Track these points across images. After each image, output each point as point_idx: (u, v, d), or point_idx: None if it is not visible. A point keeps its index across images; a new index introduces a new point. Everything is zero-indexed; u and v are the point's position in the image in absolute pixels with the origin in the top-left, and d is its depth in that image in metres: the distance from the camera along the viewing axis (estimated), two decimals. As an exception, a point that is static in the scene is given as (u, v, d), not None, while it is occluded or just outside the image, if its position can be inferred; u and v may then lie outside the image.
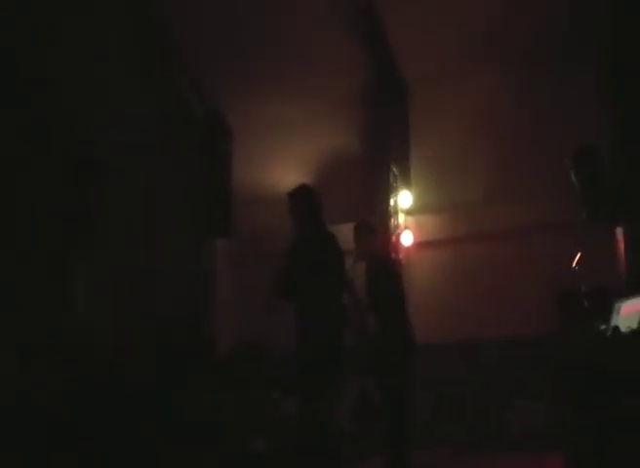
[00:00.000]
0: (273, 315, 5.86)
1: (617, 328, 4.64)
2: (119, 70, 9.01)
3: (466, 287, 9.67)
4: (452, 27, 9.75)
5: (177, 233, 9.59)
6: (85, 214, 8.39)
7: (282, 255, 5.56)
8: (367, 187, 10.12)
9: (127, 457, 6.74)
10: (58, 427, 6.66)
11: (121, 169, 8.58)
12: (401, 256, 9.43)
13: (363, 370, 6.69)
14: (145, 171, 9.05)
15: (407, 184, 10.29)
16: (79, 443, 6.71)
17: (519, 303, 9.16)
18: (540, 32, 9.46)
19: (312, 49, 9.90)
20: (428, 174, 10.30)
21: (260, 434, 5.72)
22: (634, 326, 4.67)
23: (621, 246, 8.55)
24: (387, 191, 10.00)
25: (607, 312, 5.39)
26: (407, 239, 9.64)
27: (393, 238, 9.83)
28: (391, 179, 10.11)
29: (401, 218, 10.10)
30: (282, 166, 10.03)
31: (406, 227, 9.90)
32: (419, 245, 9.57)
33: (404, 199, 10.09)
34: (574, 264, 6.79)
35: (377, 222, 7.70)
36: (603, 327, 4.94)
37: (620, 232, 8.59)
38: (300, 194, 5.79)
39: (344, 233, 8.81)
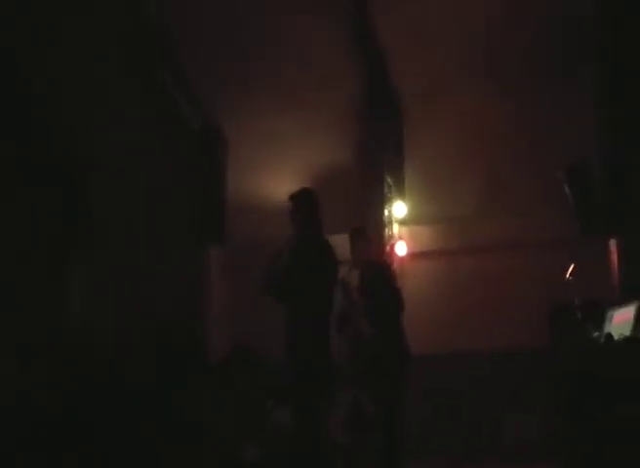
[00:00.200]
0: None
1: (610, 335, 4.65)
2: (116, 81, 9.04)
3: (459, 298, 9.69)
4: (447, 42, 9.80)
5: (171, 241, 9.60)
6: (84, 214, 8.41)
7: (276, 255, 5.58)
8: (361, 197, 10.13)
9: (126, 457, 6.74)
10: (57, 427, 6.66)
11: (117, 175, 8.59)
12: (395, 266, 9.41)
13: (357, 380, 6.68)
14: (142, 177, 9.07)
15: (401, 195, 10.32)
16: (79, 443, 6.70)
17: (512, 316, 9.18)
18: (536, 47, 9.52)
19: (308, 64, 9.94)
20: (422, 185, 10.33)
21: (252, 441, 5.70)
22: (627, 333, 4.68)
23: (615, 258, 8.59)
24: (381, 201, 10.01)
25: (599, 320, 5.41)
26: (401, 249, 9.65)
27: (387, 248, 9.82)
28: (385, 190, 10.13)
29: (395, 229, 10.10)
30: (276, 176, 10.04)
31: (400, 237, 9.92)
32: (412, 255, 9.58)
33: (398, 209, 10.10)
34: (567, 275, 6.80)
35: (371, 231, 7.73)
36: (596, 334, 4.95)
37: (613, 244, 8.63)
38: (303, 197, 5.80)
39: (339, 243, 8.88)
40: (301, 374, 5.38)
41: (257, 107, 10.25)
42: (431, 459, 8.51)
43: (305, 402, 5.37)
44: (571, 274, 6.81)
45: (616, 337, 4.63)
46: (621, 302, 5.91)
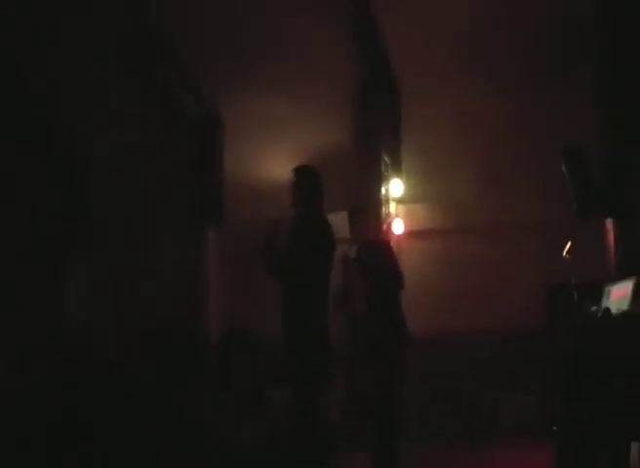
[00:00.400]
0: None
1: (607, 309, 4.64)
2: (113, 62, 9.01)
3: (456, 278, 9.73)
4: (446, 28, 9.81)
5: (167, 223, 9.58)
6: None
7: (274, 226, 5.55)
8: (358, 176, 10.14)
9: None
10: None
11: (111, 159, 8.56)
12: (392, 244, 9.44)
13: (355, 361, 6.67)
14: (137, 162, 9.04)
15: (398, 173, 10.31)
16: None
17: (509, 298, 9.20)
18: (535, 34, 9.53)
19: (307, 48, 9.93)
20: (420, 166, 10.35)
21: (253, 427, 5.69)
22: (624, 308, 4.67)
23: (612, 238, 8.59)
24: (379, 179, 10.01)
25: (597, 299, 5.40)
26: (398, 227, 9.63)
27: (384, 226, 9.82)
28: (382, 168, 10.12)
29: (392, 207, 10.10)
30: (274, 159, 10.01)
31: (397, 216, 9.91)
32: (409, 234, 9.59)
33: (395, 187, 10.09)
34: (564, 253, 6.79)
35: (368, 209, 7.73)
36: (594, 308, 4.94)
37: (609, 223, 8.64)
38: (307, 172, 5.77)
39: (337, 222, 8.87)
40: (299, 355, 5.36)
41: (255, 91, 10.24)
42: (429, 441, 8.54)
43: (303, 383, 5.35)
44: (568, 252, 6.78)
45: (613, 312, 4.61)
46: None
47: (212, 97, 10.52)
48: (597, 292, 5.63)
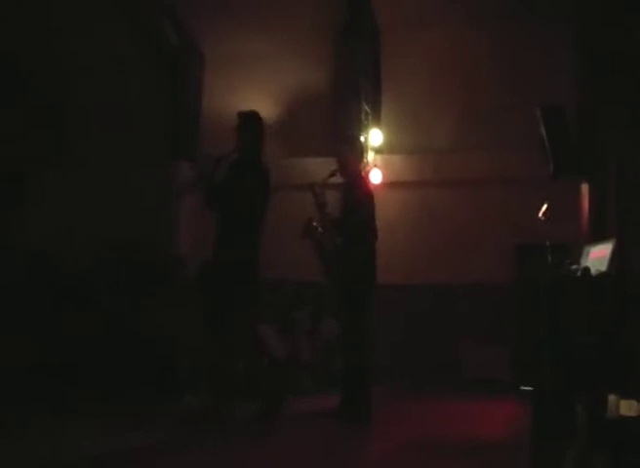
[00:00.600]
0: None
1: (587, 268, 4.68)
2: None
3: (431, 229, 9.79)
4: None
5: (143, 154, 9.48)
6: (50, 133, 8.24)
7: (214, 166, 5.69)
8: (337, 122, 10.07)
9: (96, 373, 6.75)
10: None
11: (91, 87, 8.41)
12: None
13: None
14: (115, 90, 8.90)
15: (377, 123, 10.24)
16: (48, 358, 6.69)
17: (483, 250, 9.29)
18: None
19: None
20: (399, 116, 10.29)
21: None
22: (603, 268, 4.72)
23: (586, 202, 8.65)
24: (358, 128, 9.92)
25: (573, 257, 5.45)
26: (375, 177, 9.59)
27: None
28: (362, 117, 10.04)
29: (370, 157, 10.03)
30: (252, 96, 9.91)
31: (375, 165, 9.86)
32: (386, 184, 9.57)
33: (374, 137, 10.02)
34: (540, 215, 6.82)
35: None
36: (574, 267, 4.99)
37: (585, 188, 8.69)
38: (253, 117, 5.96)
39: (312, 168, 8.84)
40: (224, 283, 5.63)
41: (236, 27, 10.11)
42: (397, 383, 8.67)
43: (230, 310, 5.63)
44: (543, 214, 6.80)
45: (592, 272, 4.65)
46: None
47: (192, 32, 10.34)
48: (571, 254, 5.70)
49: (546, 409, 4.27)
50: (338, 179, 6.57)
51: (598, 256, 5.03)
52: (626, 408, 4.10)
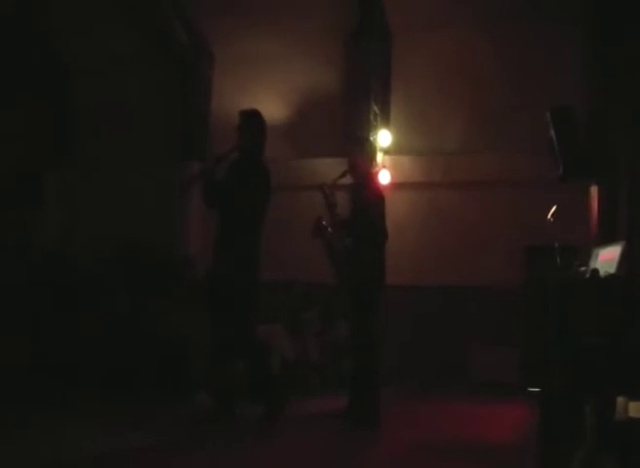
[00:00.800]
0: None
1: (596, 270, 4.67)
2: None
3: (437, 232, 9.78)
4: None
5: (153, 154, 9.50)
6: (62, 134, 8.27)
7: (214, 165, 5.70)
8: (347, 123, 10.08)
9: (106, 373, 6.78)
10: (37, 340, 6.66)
11: (100, 88, 8.44)
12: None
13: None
14: (125, 90, 8.92)
15: (386, 124, 10.24)
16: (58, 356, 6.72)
17: (492, 253, 9.27)
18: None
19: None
20: (408, 117, 10.28)
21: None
22: (611, 270, 4.71)
23: (595, 205, 8.62)
24: (367, 128, 9.92)
25: (582, 259, 5.45)
26: (384, 178, 9.59)
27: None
28: (371, 117, 10.04)
29: (379, 157, 10.02)
30: (262, 97, 9.91)
31: (383, 166, 9.85)
32: (395, 185, 9.57)
33: (383, 138, 10.02)
34: (549, 216, 6.81)
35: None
36: (583, 269, 4.99)
37: (594, 190, 8.66)
38: (254, 115, 5.93)
39: (322, 169, 8.85)
40: (222, 284, 5.64)
41: (246, 29, 10.16)
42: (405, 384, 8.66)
43: (231, 311, 5.62)
44: (552, 216, 6.80)
45: (601, 273, 4.65)
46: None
47: (202, 32, 10.36)
48: (580, 256, 5.70)
49: (555, 410, 4.27)
50: (347, 180, 6.57)
51: (607, 259, 5.02)
52: (635, 409, 4.10)
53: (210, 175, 5.75)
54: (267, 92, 10.28)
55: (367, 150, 6.97)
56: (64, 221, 8.44)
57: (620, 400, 4.12)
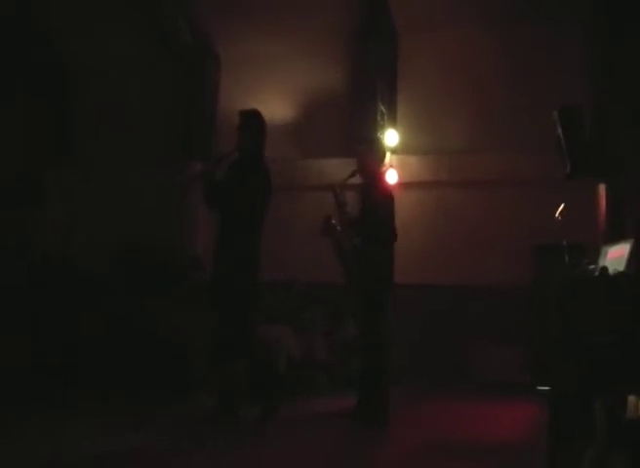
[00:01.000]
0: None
1: (605, 268, 4.65)
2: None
3: (447, 231, 9.77)
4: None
5: (159, 154, 9.50)
6: (63, 134, 8.27)
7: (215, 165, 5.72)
8: (354, 122, 10.07)
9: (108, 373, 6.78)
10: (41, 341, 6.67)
11: (105, 88, 8.44)
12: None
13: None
14: (130, 91, 8.92)
15: (393, 124, 10.23)
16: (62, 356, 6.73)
17: (499, 251, 9.25)
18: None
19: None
20: (415, 117, 10.27)
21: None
22: (620, 268, 4.69)
23: (603, 202, 8.60)
24: (374, 128, 9.91)
25: (591, 257, 5.43)
26: (391, 177, 9.58)
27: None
28: (378, 117, 10.03)
29: (386, 157, 10.00)
30: (268, 97, 9.93)
31: (390, 166, 9.84)
32: (401, 185, 9.55)
33: (390, 137, 10.01)
34: (557, 214, 6.79)
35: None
36: (592, 267, 4.96)
37: (602, 189, 8.63)
38: (254, 115, 5.94)
39: (328, 169, 8.84)
40: (222, 283, 5.64)
41: (251, 29, 10.15)
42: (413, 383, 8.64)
43: (231, 311, 5.61)
44: (560, 214, 6.78)
45: (610, 271, 4.63)
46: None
47: (207, 33, 10.37)
48: (588, 254, 5.68)
49: (565, 409, 4.25)
50: (356, 180, 6.56)
51: (616, 256, 5.00)
52: (646, 408, 4.08)
53: (210, 176, 5.75)
54: (273, 92, 10.29)
55: (376, 150, 6.94)
56: (65, 222, 8.44)
57: (631, 398, 4.11)
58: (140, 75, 9.26)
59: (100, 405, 6.37)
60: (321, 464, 4.73)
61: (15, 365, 6.41)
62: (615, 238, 7.65)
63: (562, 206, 6.79)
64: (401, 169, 9.83)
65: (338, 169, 7.84)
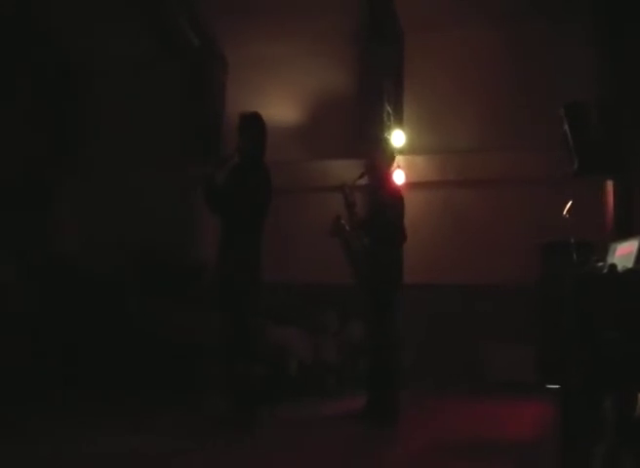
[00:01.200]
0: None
1: (614, 265, 4.64)
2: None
3: (454, 230, 9.76)
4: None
5: (167, 157, 9.51)
6: (64, 135, 8.28)
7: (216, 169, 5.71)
8: (361, 123, 10.07)
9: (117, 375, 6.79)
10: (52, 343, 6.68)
11: (111, 90, 8.45)
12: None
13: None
14: (137, 93, 8.93)
15: (400, 124, 10.23)
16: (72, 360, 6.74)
17: (508, 250, 9.23)
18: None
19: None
20: (421, 117, 10.26)
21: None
22: (629, 265, 4.68)
23: (611, 199, 8.58)
24: (380, 129, 9.91)
25: (599, 254, 5.42)
26: (399, 178, 9.57)
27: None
28: (385, 117, 10.03)
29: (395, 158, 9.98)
30: (275, 99, 9.96)
31: (398, 166, 9.84)
32: (409, 185, 9.54)
33: (397, 138, 10.00)
34: (564, 212, 6.77)
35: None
36: (600, 264, 4.95)
37: (609, 185, 8.62)
38: (255, 118, 5.95)
39: (335, 170, 8.84)
40: (225, 283, 5.69)
41: (258, 31, 10.16)
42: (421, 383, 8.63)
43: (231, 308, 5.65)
44: (568, 212, 6.76)
45: (619, 268, 4.62)
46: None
47: (214, 35, 10.38)
48: (597, 252, 5.66)
49: (574, 407, 4.24)
50: (365, 181, 6.57)
51: (625, 253, 4.99)
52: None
53: (210, 179, 5.76)
54: (280, 94, 10.31)
55: (385, 150, 6.94)
56: (74, 224, 8.46)
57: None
58: (146, 77, 9.27)
59: (101, 405, 6.39)
60: (330, 464, 4.73)
61: (24, 365, 6.42)
62: (623, 235, 7.64)
63: (570, 204, 6.78)
64: (408, 169, 9.83)
65: (345, 170, 7.85)
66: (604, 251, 5.31)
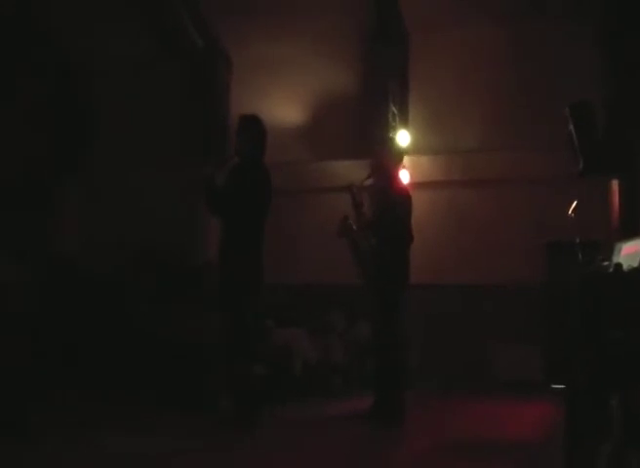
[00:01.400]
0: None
1: (619, 264, 4.63)
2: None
3: (459, 230, 9.78)
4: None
5: (171, 158, 9.51)
6: (79, 136, 8.28)
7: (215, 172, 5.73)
8: (366, 124, 10.08)
9: (120, 375, 6.79)
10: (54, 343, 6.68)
11: (115, 90, 8.45)
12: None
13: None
14: (142, 94, 8.93)
15: (405, 124, 10.24)
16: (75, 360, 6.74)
17: (512, 250, 9.23)
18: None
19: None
20: (426, 117, 10.30)
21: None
22: (635, 264, 4.67)
23: (616, 199, 8.58)
24: (386, 129, 9.92)
25: (604, 254, 5.41)
26: (404, 178, 9.57)
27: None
28: (390, 118, 10.04)
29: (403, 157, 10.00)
30: (280, 100, 9.98)
31: (403, 166, 9.85)
32: (414, 185, 9.55)
33: (402, 138, 10.01)
34: (569, 212, 6.77)
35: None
36: (605, 263, 4.95)
37: (615, 184, 8.62)
38: (253, 119, 5.93)
39: (340, 171, 8.85)
40: (226, 283, 5.68)
41: (263, 32, 10.17)
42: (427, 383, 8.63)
43: (231, 308, 5.64)
44: (573, 211, 6.75)
45: (625, 268, 4.61)
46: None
47: (219, 36, 10.39)
48: (602, 251, 5.65)
49: (580, 406, 4.24)
50: (371, 181, 6.57)
51: (630, 253, 4.98)
52: (662, 404, 4.06)
53: (210, 182, 5.76)
54: (285, 95, 10.33)
55: (393, 151, 6.94)
56: (74, 224, 8.46)
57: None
58: (150, 77, 9.27)
59: (101, 405, 6.38)
60: (337, 464, 4.72)
61: (21, 364, 6.42)
62: (628, 234, 7.63)
63: (574, 203, 6.77)
64: (413, 169, 9.84)
65: (350, 170, 7.88)
66: (609, 250, 5.30)
